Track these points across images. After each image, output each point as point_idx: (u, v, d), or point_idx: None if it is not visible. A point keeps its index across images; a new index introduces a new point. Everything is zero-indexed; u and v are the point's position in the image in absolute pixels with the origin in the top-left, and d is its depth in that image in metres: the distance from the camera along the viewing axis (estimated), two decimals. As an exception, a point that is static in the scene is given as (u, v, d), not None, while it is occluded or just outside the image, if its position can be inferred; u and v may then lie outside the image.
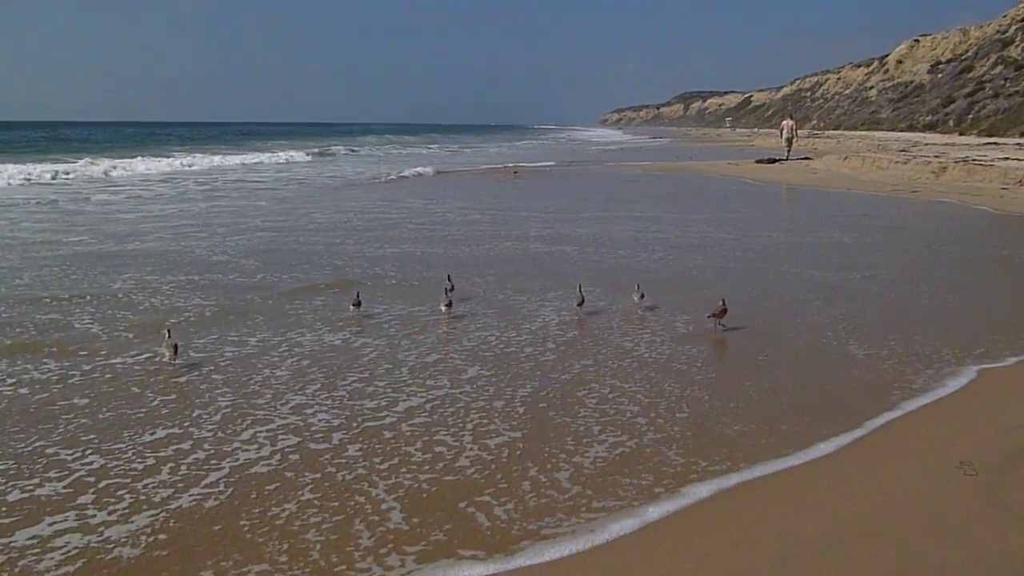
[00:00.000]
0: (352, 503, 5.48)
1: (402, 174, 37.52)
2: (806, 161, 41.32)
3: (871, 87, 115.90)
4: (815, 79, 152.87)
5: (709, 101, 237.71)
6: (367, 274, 13.24)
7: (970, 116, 71.94)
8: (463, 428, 6.76)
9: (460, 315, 10.57)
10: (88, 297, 11.43)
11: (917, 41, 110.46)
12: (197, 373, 8.20)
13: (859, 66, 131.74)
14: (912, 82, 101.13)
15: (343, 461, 6.13)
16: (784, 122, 46.37)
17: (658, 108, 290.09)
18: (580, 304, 10.58)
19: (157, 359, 8.58)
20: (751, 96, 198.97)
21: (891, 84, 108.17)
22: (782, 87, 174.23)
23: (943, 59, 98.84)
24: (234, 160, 49.24)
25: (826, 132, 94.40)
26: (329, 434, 6.64)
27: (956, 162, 31.50)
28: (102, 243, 16.37)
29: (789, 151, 43.02)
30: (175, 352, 8.37)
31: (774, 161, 41.13)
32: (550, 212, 22.06)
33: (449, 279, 11.47)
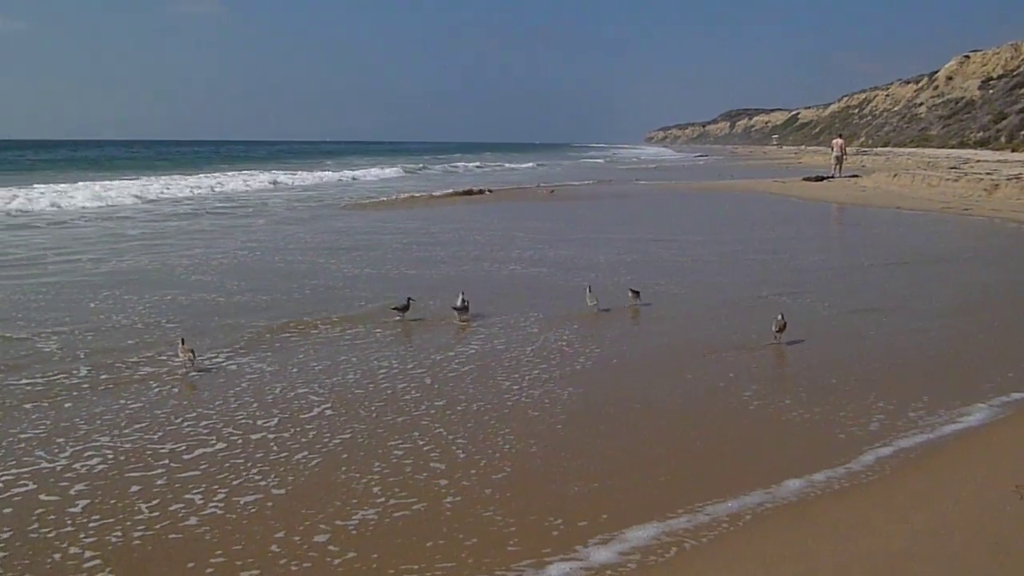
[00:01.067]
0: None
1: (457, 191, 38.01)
2: (854, 179, 40.94)
3: (920, 103, 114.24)
4: (863, 96, 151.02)
5: (755, 119, 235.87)
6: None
7: (1022, 132, 70.63)
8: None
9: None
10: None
11: (967, 57, 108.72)
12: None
13: (908, 82, 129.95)
14: (963, 98, 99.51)
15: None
16: (834, 140, 46.98)
17: (703, 126, 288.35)
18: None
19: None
20: (798, 113, 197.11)
21: (941, 100, 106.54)
22: (830, 104, 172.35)
23: (994, 75, 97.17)
24: (333, 175, 56.23)
25: (875, 149, 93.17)
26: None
27: (1009, 179, 30.96)
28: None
29: (839, 169, 43.23)
30: (191, 359, 8.88)
31: (822, 179, 40.89)
32: (575, 235, 22.11)
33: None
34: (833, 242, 20.70)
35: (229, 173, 53.57)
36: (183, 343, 9.13)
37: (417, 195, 35.84)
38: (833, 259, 17.71)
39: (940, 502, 5.82)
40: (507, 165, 79.56)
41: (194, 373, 8.97)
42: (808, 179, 41.41)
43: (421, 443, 6.96)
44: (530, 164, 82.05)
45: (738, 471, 6.37)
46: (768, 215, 27.38)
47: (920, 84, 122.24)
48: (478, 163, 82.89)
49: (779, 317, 10.09)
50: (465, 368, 9.20)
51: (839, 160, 43.83)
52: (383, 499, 5.90)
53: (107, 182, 40.33)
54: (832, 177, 41.72)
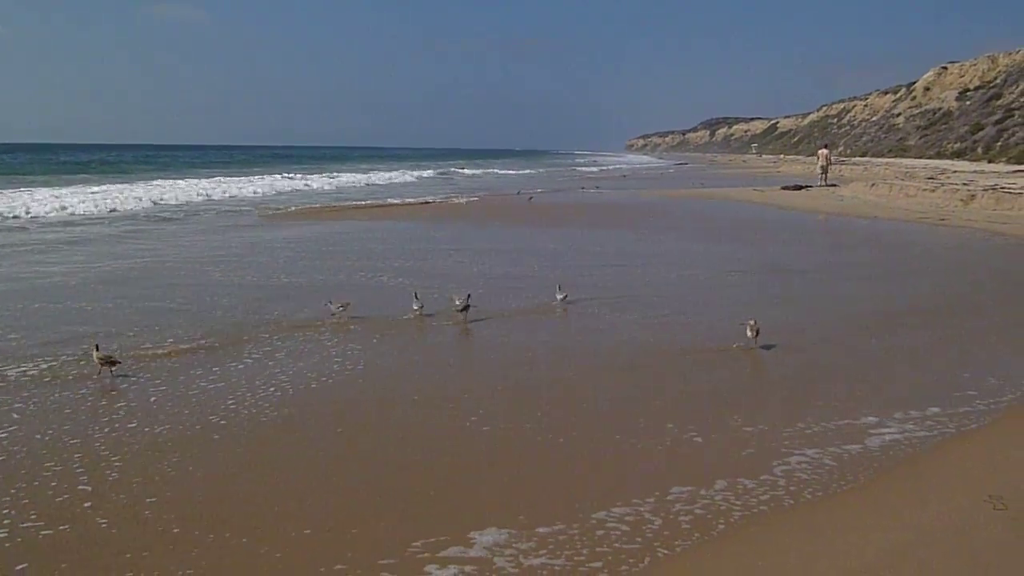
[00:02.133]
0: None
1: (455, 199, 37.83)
2: (832, 188, 41.20)
3: (898, 114, 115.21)
4: (842, 106, 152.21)
5: (735, 127, 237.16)
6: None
7: (999, 144, 71.29)
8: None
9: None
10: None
11: (945, 68, 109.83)
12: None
13: (886, 93, 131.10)
14: (940, 109, 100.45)
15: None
16: (819, 151, 48.76)
17: (684, 134, 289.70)
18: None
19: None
20: (777, 122, 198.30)
21: (918, 111, 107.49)
22: (808, 114, 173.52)
23: (971, 86, 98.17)
24: (362, 178, 60.57)
25: (852, 159, 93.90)
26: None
27: (985, 190, 31.23)
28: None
29: (825, 178, 44.61)
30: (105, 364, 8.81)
31: (800, 188, 41.12)
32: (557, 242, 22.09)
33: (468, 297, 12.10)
34: (813, 253, 20.74)
35: (264, 177, 55.13)
36: (97, 348, 8.95)
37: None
38: (810, 268, 17.74)
39: (910, 513, 5.79)
40: (524, 171, 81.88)
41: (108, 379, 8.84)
42: (787, 188, 41.61)
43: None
44: (530, 170, 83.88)
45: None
46: (745, 226, 27.44)
47: (898, 95, 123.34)
48: (484, 169, 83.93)
49: (753, 322, 10.15)
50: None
51: (824, 170, 45.32)
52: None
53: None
54: (814, 186, 42.12)
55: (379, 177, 64.51)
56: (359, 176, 64.14)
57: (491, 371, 9.65)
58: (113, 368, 8.90)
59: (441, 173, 76.30)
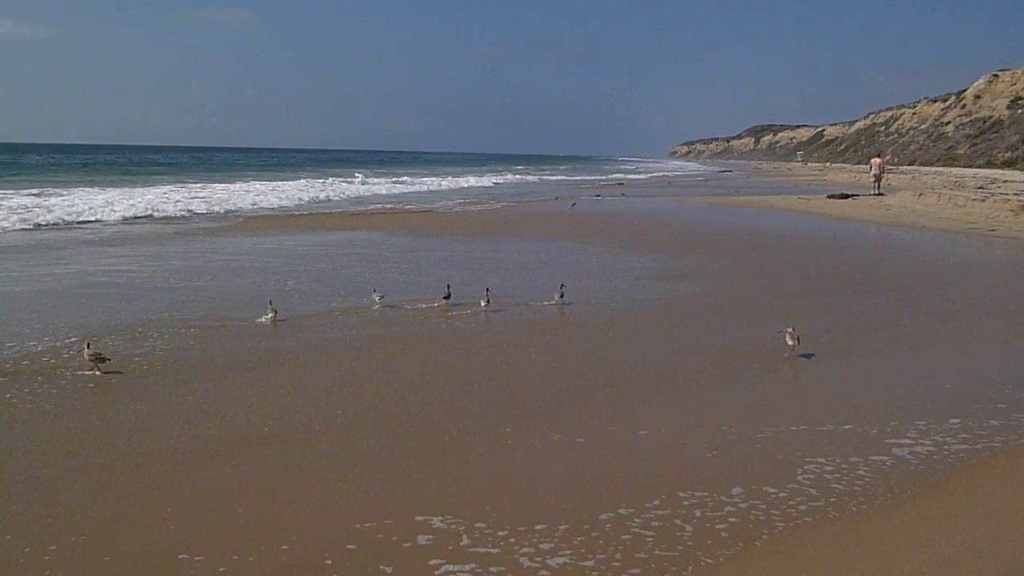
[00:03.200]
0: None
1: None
2: (879, 197, 40.71)
3: (947, 122, 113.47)
4: (889, 113, 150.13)
5: (780, 135, 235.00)
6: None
7: (1052, 153, 69.95)
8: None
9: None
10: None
11: (996, 76, 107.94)
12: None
13: (935, 101, 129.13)
14: (991, 117, 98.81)
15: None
16: (872, 160, 48.45)
17: (728, 141, 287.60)
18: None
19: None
20: (823, 130, 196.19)
21: (968, 119, 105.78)
22: (855, 121, 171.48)
23: (1023, 94, 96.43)
24: (445, 183, 62.69)
25: (900, 168, 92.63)
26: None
27: (1037, 201, 30.70)
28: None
29: (877, 187, 44.27)
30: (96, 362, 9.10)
31: (847, 197, 40.67)
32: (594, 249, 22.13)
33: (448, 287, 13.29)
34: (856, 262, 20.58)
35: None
36: (88, 346, 9.26)
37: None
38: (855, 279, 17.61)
39: (960, 528, 5.78)
40: (575, 177, 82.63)
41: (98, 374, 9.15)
42: (832, 196, 41.19)
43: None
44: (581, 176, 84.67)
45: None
46: (786, 236, 27.25)
47: (947, 102, 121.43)
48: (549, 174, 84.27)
49: (791, 329, 10.11)
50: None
51: (877, 178, 45.06)
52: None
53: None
54: (861, 195, 41.65)
55: (464, 181, 67.22)
56: (450, 181, 66.49)
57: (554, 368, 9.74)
58: (102, 365, 9.18)
59: (517, 176, 79.13)
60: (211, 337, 11.17)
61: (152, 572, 5.20)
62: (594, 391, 9.09)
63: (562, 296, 13.36)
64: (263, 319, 12.00)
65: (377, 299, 13.02)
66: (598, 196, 47.54)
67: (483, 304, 12.87)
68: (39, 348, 10.24)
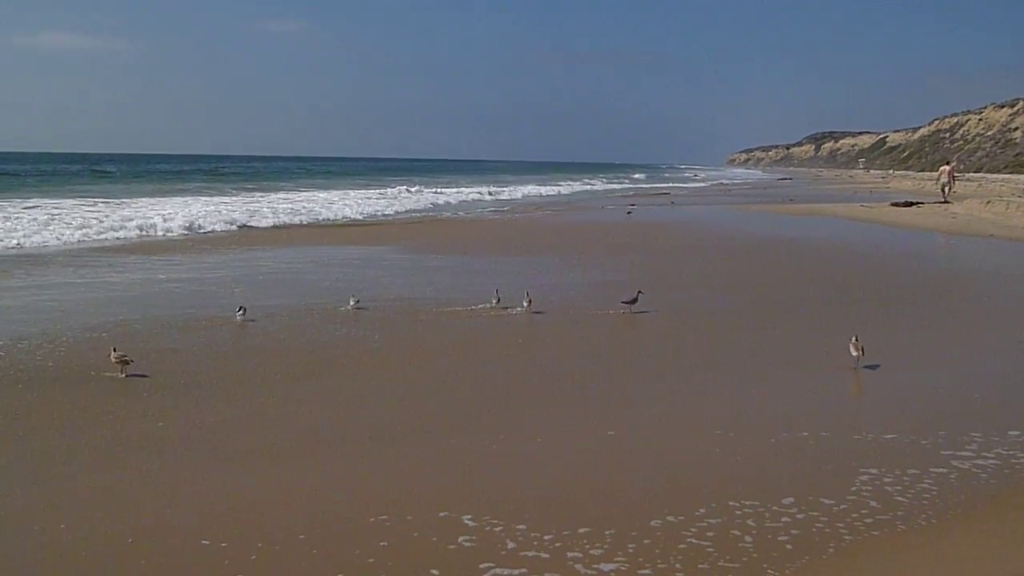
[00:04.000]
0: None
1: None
2: (945, 205, 39.76)
3: (1015, 128, 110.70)
4: (954, 120, 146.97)
5: (842, 142, 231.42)
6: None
7: None
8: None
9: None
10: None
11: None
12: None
13: (1002, 106, 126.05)
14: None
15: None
16: (943, 167, 47.52)
17: (788, 148, 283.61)
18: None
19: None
20: (886, 137, 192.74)
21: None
22: (919, 128, 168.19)
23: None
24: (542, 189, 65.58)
25: (966, 175, 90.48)
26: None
27: (1111, 209, 29.67)
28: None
29: (946, 195, 43.18)
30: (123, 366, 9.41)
31: (911, 204, 39.83)
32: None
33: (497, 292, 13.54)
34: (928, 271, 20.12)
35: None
36: (115, 350, 9.51)
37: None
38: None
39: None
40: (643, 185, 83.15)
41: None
42: (896, 204, 40.34)
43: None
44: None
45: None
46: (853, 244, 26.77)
47: (1016, 108, 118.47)
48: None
49: (855, 339, 9.86)
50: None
51: (947, 187, 44.08)
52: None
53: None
54: (926, 203, 40.80)
55: (562, 188, 69.41)
56: (544, 188, 68.47)
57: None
58: (127, 366, 9.47)
59: (586, 186, 79.94)
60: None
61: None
62: (641, 385, 9.00)
63: (529, 303, 13.17)
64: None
65: (352, 302, 13.29)
66: (669, 202, 47.50)
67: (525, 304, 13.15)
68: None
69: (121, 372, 9.45)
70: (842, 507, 6.08)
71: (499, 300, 13.32)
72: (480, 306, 13.51)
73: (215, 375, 9.63)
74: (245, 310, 12.35)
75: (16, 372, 9.53)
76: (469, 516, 5.90)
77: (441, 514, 5.94)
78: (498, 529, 5.71)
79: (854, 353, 9.82)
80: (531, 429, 7.83)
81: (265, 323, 12.32)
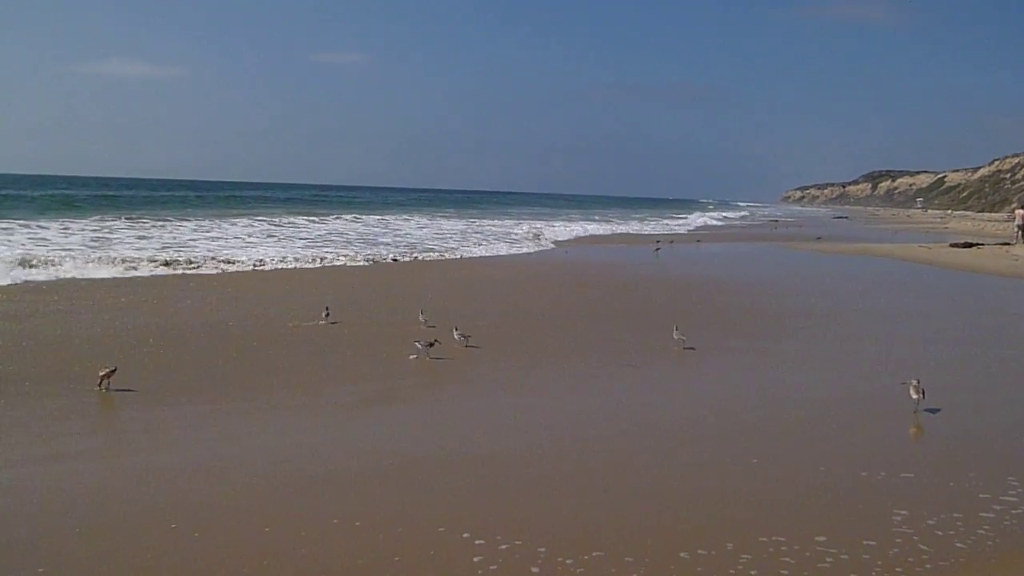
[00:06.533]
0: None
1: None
2: (1006, 247, 38.99)
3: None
4: (1016, 160, 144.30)
5: (899, 180, 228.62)
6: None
7: None
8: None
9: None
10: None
11: None
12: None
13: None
14: None
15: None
16: (1017, 210, 49.13)
17: (844, 186, 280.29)
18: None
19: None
20: (945, 176, 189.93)
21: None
22: (979, 168, 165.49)
23: None
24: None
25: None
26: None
27: None
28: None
29: (1019, 238, 43.77)
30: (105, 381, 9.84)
31: (970, 245, 39.19)
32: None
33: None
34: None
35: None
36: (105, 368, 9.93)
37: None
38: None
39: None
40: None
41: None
42: (955, 245, 39.68)
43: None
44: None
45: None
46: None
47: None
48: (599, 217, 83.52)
49: (916, 382, 9.74)
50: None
51: (1021, 229, 44.83)
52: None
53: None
54: (982, 244, 40.21)
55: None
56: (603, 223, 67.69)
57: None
58: (110, 380, 9.87)
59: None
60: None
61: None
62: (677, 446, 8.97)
63: (465, 337, 13.13)
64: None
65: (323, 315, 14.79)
66: (699, 241, 46.36)
67: None
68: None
69: (103, 386, 9.79)
70: (892, 550, 6.00)
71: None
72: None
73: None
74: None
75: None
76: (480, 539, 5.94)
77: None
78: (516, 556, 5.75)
79: (914, 396, 9.70)
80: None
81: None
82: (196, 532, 6.20)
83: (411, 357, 12.22)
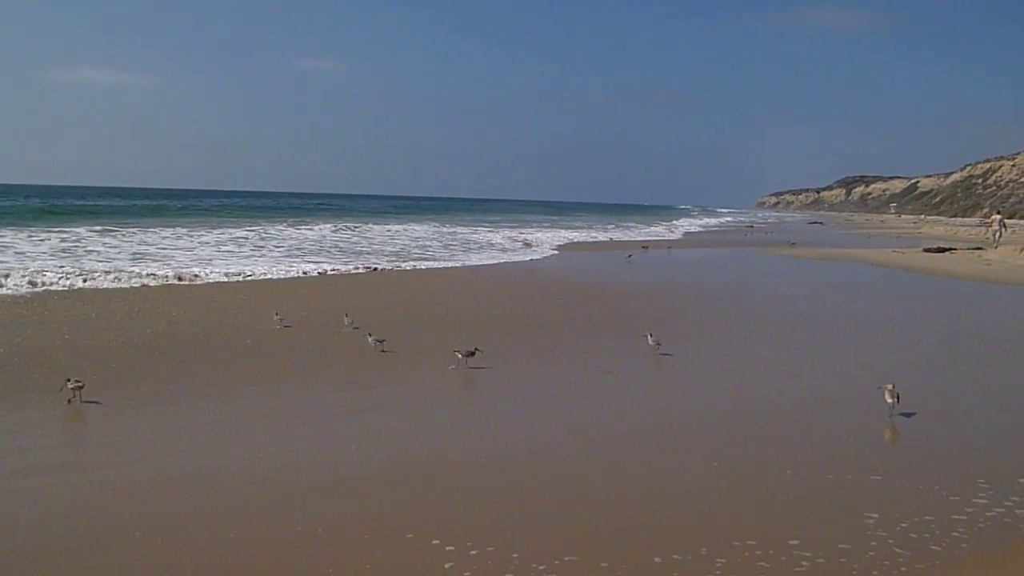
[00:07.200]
0: None
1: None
2: (977, 251, 39.37)
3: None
4: (987, 165, 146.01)
5: (872, 186, 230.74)
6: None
7: None
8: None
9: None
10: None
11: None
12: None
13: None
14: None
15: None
16: (994, 216, 50.19)
17: (818, 192, 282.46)
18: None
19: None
20: (918, 182, 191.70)
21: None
22: (951, 173, 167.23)
23: None
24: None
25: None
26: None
27: None
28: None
29: (996, 242, 44.41)
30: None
31: (944, 250, 39.56)
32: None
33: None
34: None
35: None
36: (68, 380, 9.81)
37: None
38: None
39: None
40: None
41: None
42: (929, 250, 40.03)
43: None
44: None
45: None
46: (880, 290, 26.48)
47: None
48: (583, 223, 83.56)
49: (891, 387, 9.73)
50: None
51: (997, 233, 46.09)
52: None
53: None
54: (955, 249, 40.61)
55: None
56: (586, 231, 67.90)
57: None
58: (79, 392, 9.77)
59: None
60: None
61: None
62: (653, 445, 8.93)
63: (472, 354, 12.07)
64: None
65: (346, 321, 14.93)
66: (670, 249, 45.24)
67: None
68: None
69: (72, 396, 9.70)
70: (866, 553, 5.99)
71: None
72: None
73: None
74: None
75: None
76: (450, 546, 5.85)
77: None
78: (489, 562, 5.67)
79: (888, 400, 9.68)
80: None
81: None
82: (162, 543, 6.09)
83: (450, 368, 11.93)
